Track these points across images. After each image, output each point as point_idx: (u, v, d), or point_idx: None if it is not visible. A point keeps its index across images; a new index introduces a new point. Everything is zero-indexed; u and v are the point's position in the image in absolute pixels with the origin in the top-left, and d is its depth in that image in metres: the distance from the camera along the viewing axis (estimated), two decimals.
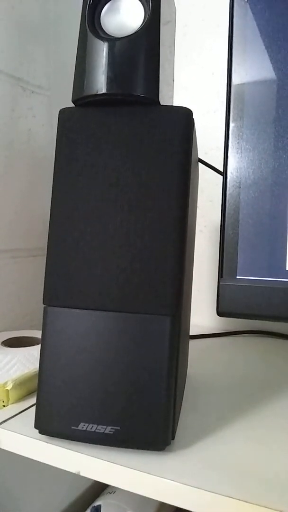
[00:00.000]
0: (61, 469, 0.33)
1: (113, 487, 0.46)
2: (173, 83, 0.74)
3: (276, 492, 0.28)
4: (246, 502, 0.27)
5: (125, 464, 0.30)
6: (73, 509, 0.46)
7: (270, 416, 0.39)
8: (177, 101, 0.76)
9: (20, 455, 0.34)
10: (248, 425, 0.37)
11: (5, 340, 0.50)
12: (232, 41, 0.37)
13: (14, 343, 0.50)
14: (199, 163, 0.50)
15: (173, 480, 0.29)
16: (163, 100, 0.34)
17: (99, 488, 0.50)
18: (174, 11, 0.44)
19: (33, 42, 0.59)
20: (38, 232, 0.61)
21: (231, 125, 0.36)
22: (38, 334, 0.52)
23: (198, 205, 0.76)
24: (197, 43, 0.75)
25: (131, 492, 0.38)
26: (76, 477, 0.47)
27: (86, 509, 0.45)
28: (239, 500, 0.27)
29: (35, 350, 0.45)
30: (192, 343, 0.64)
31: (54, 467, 0.33)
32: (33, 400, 0.40)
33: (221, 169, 0.38)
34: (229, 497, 0.27)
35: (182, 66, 0.76)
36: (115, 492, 0.45)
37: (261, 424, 0.37)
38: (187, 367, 0.49)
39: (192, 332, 0.69)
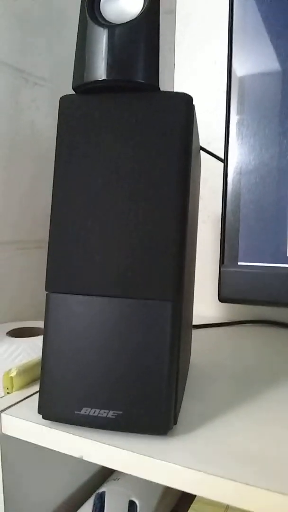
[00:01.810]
0: (65, 456, 0.33)
1: (118, 474, 0.47)
2: (174, 70, 0.74)
3: (279, 475, 0.28)
4: (249, 485, 0.27)
5: (127, 448, 0.31)
6: (78, 496, 0.46)
7: (274, 402, 0.39)
8: (180, 90, 0.75)
9: (25, 442, 0.35)
10: (251, 411, 0.37)
11: (11, 330, 0.50)
12: (233, 26, 0.37)
13: (20, 333, 0.50)
14: (202, 152, 0.49)
15: (175, 463, 0.29)
16: (164, 87, 0.34)
17: (103, 476, 0.50)
18: (174, 1, 0.44)
19: (35, 34, 0.59)
20: (43, 223, 0.61)
21: (232, 111, 0.36)
22: (43, 325, 0.52)
23: (201, 195, 0.76)
24: (200, 32, 0.74)
25: (135, 479, 0.38)
26: (81, 464, 0.48)
27: (90, 496, 0.46)
28: (242, 483, 0.27)
29: (40, 340, 0.45)
30: (195, 333, 0.64)
31: (58, 454, 0.33)
32: (37, 387, 0.40)
33: (223, 157, 0.38)
34: (232, 480, 0.28)
35: (185, 55, 0.75)
36: (119, 479, 0.46)
37: (264, 410, 0.37)
38: (190, 355, 0.49)
39: (196, 321, 0.69)
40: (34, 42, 0.59)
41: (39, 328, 0.51)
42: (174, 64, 0.73)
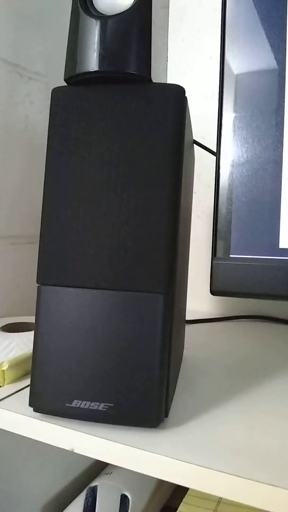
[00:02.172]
0: (58, 450, 0.33)
1: (110, 468, 0.47)
2: (167, 65, 0.73)
3: (268, 467, 0.28)
4: (239, 477, 0.27)
5: (118, 441, 0.30)
6: (70, 490, 0.46)
7: (266, 395, 0.39)
8: None
9: (19, 436, 0.34)
10: (243, 404, 0.37)
11: (4, 326, 0.50)
12: (225, 19, 0.37)
13: (14, 328, 0.50)
14: (196, 147, 0.49)
15: (167, 456, 0.29)
16: (158, 80, 0.34)
17: (96, 470, 0.50)
18: None
19: (30, 28, 0.58)
20: (36, 219, 0.61)
21: (225, 103, 0.36)
22: None
23: (195, 190, 0.76)
24: (194, 27, 0.74)
25: (128, 473, 0.38)
26: (74, 459, 0.48)
27: (83, 490, 0.45)
28: (235, 475, 0.27)
29: (33, 335, 0.45)
30: (189, 328, 0.64)
31: (50, 447, 0.33)
32: (29, 381, 0.40)
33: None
34: (223, 472, 0.28)
35: (179, 51, 0.75)
36: (111, 473, 0.46)
37: (256, 404, 0.37)
38: (183, 349, 0.49)
39: (190, 317, 0.69)
40: (29, 36, 0.58)
41: (32, 323, 0.51)
42: (167, 59, 0.73)
